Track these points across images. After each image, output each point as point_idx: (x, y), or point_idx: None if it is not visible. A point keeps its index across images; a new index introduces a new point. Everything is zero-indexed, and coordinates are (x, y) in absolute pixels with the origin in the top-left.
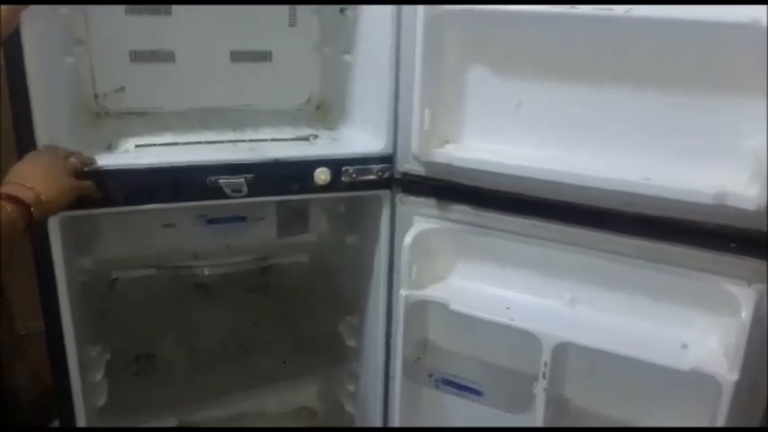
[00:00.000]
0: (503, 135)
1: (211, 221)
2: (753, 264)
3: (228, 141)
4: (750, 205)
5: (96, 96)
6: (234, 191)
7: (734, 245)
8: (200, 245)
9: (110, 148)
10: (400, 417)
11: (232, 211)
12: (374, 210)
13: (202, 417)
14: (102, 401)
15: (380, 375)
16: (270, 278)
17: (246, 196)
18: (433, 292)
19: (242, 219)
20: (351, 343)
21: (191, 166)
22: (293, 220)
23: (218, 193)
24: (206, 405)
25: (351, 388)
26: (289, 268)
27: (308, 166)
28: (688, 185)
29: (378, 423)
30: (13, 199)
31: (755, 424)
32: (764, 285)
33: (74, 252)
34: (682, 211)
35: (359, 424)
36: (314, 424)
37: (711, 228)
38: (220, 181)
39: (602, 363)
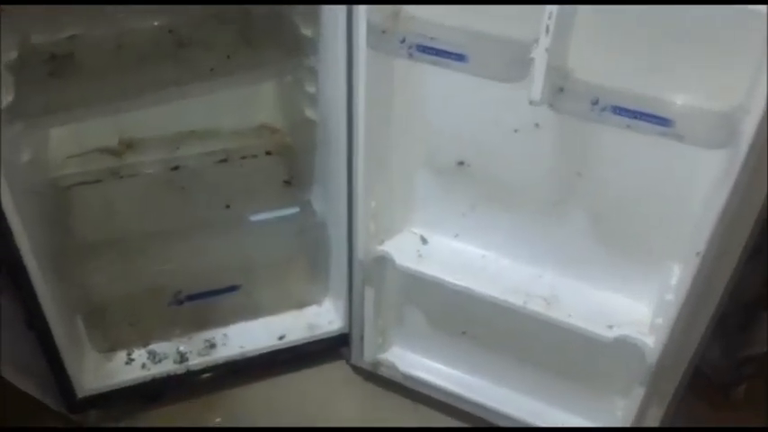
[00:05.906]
0: None
1: None
2: None
3: None
4: None
5: None
6: None
7: None
8: None
9: None
10: (366, 98)
11: None
12: None
13: (137, 121)
14: (7, 100)
15: (342, 58)
16: None
17: None
18: None
19: None
20: (306, 32)
21: None
22: None
23: None
24: (138, 104)
25: (311, 89)
26: None
27: None
28: None
29: (343, 121)
30: None
31: None
32: None
33: None
34: None
35: (322, 130)
36: (277, 140)
37: None
38: None
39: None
